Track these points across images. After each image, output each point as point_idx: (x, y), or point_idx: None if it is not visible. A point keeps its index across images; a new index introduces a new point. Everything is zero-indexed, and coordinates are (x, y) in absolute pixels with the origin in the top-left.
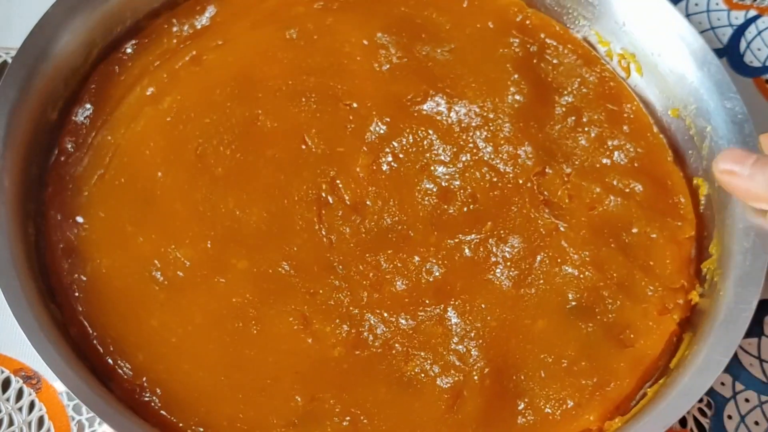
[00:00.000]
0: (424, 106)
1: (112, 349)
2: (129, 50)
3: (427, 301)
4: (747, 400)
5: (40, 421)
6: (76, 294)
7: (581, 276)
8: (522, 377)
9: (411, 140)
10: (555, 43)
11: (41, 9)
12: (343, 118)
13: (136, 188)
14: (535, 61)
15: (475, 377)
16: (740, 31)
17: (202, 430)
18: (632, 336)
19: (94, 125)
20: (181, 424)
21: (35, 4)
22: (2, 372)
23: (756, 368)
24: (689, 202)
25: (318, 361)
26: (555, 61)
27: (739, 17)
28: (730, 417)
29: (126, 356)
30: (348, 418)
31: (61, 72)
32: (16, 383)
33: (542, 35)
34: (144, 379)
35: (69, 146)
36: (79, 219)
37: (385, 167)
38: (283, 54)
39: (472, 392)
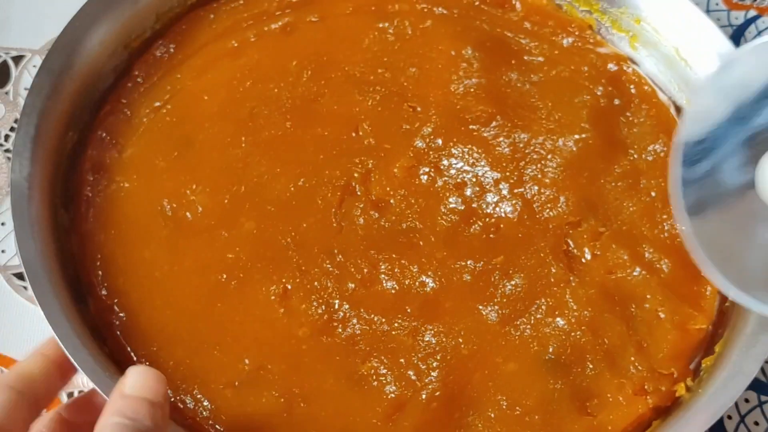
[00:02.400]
0: (485, 128)
1: (98, 265)
2: (232, 3)
3: (408, 311)
4: (747, 401)
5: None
6: (89, 207)
7: (572, 333)
8: (471, 411)
9: (459, 156)
10: (641, 103)
11: (41, 9)
12: (402, 118)
13: (183, 129)
14: (615, 115)
15: (423, 396)
16: (740, 31)
17: (147, 363)
18: (597, 406)
19: (170, 63)
20: (132, 353)
21: (35, 4)
22: (2, 372)
23: None
24: (715, 296)
25: (281, 334)
26: (634, 120)
27: (739, 17)
28: (729, 417)
29: (108, 276)
30: (286, 396)
31: (154, 7)
32: None
33: (632, 90)
34: (116, 301)
35: (138, 75)
36: (121, 141)
37: (422, 175)
38: (371, 44)
39: (415, 410)
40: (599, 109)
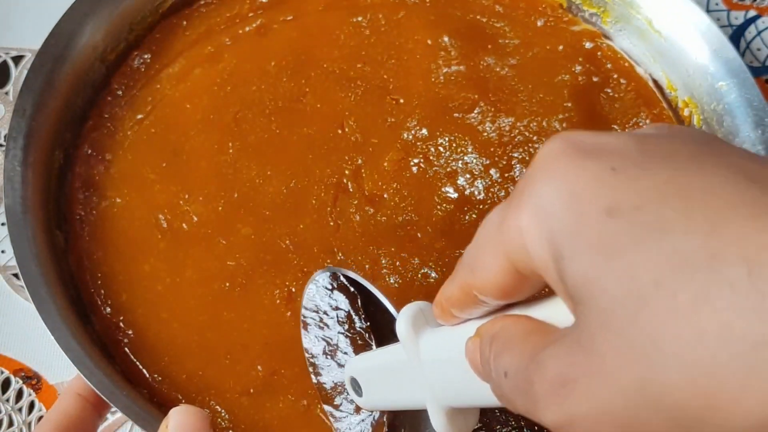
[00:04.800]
0: (469, 115)
1: (100, 283)
2: (203, 9)
3: None
4: None
5: (40, 421)
6: (83, 226)
7: None
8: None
9: (446, 145)
10: (619, 78)
11: (41, 9)
12: (386, 112)
13: (168, 139)
14: (595, 91)
15: None
16: (740, 31)
17: (160, 378)
18: None
19: (148, 73)
20: (143, 369)
21: (34, 4)
22: (2, 372)
23: None
24: None
25: (291, 338)
26: (615, 96)
27: (738, 17)
28: None
29: (111, 294)
30: (304, 401)
31: (128, 18)
32: (15, 384)
33: (609, 66)
34: (121, 318)
35: (117, 88)
36: (107, 157)
37: (413, 166)
38: (347, 39)
39: None
40: (579, 87)
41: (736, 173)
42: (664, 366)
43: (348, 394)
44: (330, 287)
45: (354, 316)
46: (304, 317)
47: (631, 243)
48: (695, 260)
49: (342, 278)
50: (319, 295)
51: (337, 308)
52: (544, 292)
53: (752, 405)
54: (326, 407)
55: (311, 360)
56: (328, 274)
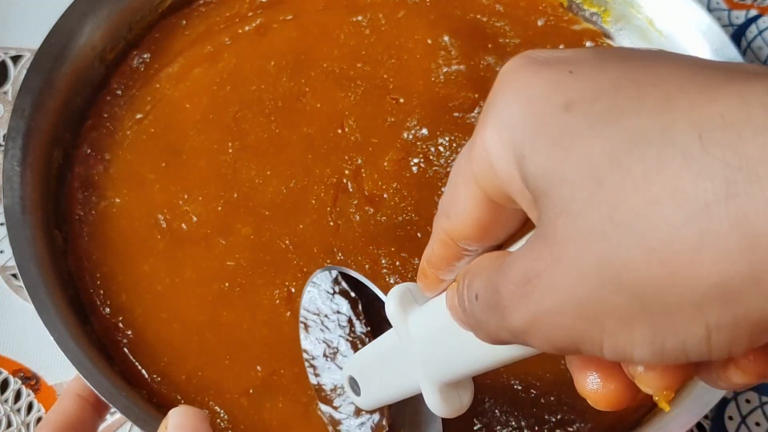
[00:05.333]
0: (470, 115)
1: (99, 284)
2: (202, 8)
3: None
4: (748, 401)
5: (39, 422)
6: (82, 226)
7: None
8: (486, 398)
9: (446, 145)
10: None
11: (40, 8)
12: (386, 111)
13: (167, 139)
14: None
15: None
16: (741, 30)
17: (159, 379)
18: None
19: (147, 73)
20: (142, 370)
21: (33, 3)
22: (0, 373)
23: None
24: None
25: (290, 338)
26: None
27: (739, 17)
28: (731, 418)
29: (110, 294)
30: (302, 399)
31: (127, 18)
32: (14, 384)
33: None
34: (120, 318)
35: (117, 88)
36: (107, 156)
37: (413, 166)
38: (347, 38)
39: None
40: None
41: (689, 62)
42: (622, 241)
43: (348, 397)
44: (332, 291)
45: (355, 321)
46: (305, 318)
47: (588, 129)
48: (648, 135)
49: (344, 283)
50: (321, 298)
51: (338, 312)
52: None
53: (708, 266)
54: (325, 408)
55: (311, 361)
56: (328, 275)
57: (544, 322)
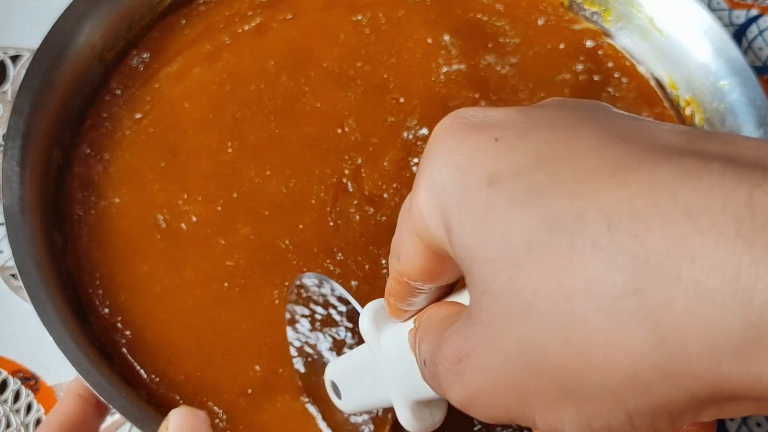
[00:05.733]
0: None
1: (98, 284)
2: (202, 7)
3: None
4: None
5: (38, 423)
6: (82, 226)
7: None
8: None
9: None
10: (620, 77)
11: (39, 8)
12: (386, 111)
13: (167, 139)
14: (596, 90)
15: None
16: (741, 30)
17: (158, 379)
18: None
19: (146, 72)
20: (141, 370)
21: (32, 3)
22: (0, 373)
23: None
24: None
25: None
26: (616, 95)
27: (740, 17)
28: (731, 418)
29: (109, 294)
30: (303, 399)
31: (126, 17)
32: (14, 385)
33: (610, 65)
34: (119, 318)
35: (116, 88)
36: (106, 156)
37: (413, 166)
38: (347, 38)
39: None
40: (581, 86)
41: (610, 135)
42: (539, 327)
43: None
44: (321, 296)
45: (339, 325)
46: (291, 315)
47: (508, 208)
48: (562, 220)
49: (327, 288)
50: (310, 300)
51: (326, 318)
52: None
53: (621, 360)
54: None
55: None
56: (315, 281)
57: (478, 399)
